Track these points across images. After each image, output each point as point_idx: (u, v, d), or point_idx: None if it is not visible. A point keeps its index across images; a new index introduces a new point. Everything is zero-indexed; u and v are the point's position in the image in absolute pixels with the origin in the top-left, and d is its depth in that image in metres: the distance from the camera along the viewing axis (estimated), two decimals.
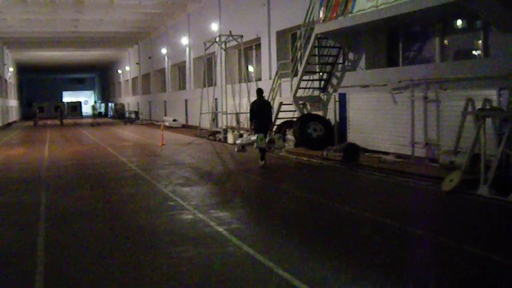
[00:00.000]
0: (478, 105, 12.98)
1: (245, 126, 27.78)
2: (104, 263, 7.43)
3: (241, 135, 22.69)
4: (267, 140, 17.13)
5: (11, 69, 66.05)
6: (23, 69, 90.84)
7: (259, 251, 7.60)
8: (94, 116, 57.83)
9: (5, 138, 35.79)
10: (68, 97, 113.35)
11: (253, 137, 17.09)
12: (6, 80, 58.10)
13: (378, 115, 18.43)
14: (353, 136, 19.61)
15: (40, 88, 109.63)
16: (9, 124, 57.06)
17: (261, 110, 17.29)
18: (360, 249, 7.86)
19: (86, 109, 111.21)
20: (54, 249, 8.18)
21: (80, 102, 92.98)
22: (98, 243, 8.50)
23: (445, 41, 17.44)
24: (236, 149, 19.38)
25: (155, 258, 7.55)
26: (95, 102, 63.16)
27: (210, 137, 29.13)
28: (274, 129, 22.17)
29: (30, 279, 6.81)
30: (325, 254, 7.59)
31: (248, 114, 18.40)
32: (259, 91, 17.75)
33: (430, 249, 8.03)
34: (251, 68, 31.73)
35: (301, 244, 8.12)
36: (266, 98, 19.45)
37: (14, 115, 66.48)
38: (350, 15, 17.98)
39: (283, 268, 6.83)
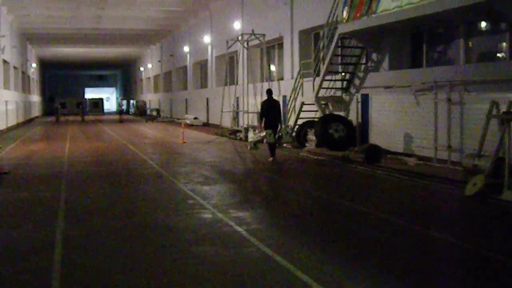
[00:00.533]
0: (503, 108, 12.76)
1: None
2: (122, 261, 7.39)
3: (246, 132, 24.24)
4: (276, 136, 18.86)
5: (34, 65, 66.55)
6: (45, 65, 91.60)
7: (279, 252, 7.50)
8: (120, 112, 57.56)
9: (27, 133, 36.03)
10: (90, 93, 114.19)
11: (263, 133, 18.79)
12: (29, 76, 58.52)
13: (401, 117, 18.24)
14: (375, 137, 19.45)
15: (62, 84, 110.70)
16: (31, 120, 57.47)
17: (270, 108, 18.63)
18: (380, 253, 7.74)
19: (108, 106, 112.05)
20: (72, 246, 8.14)
21: (102, 99, 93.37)
22: (116, 240, 8.46)
23: (470, 43, 17.20)
24: (248, 147, 20.76)
25: (174, 257, 7.48)
26: (122, 98, 62.94)
27: (231, 135, 29.08)
28: (289, 127, 22.37)
29: (46, 275, 6.76)
30: (345, 256, 7.49)
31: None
32: (269, 91, 19.27)
33: (451, 254, 7.88)
34: (272, 67, 31.62)
35: (321, 246, 8.01)
36: (277, 98, 19.73)
37: (36, 111, 66.94)
38: (374, 15, 17.80)
39: (303, 270, 6.72)
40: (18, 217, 10.30)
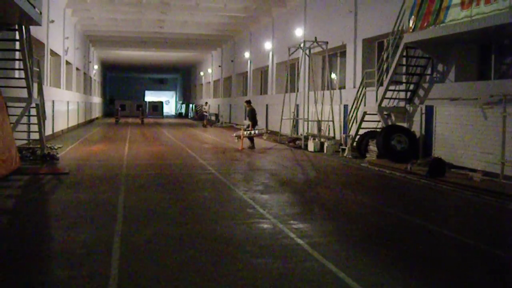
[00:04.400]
0: None
1: (326, 134, 27.47)
2: (180, 270, 7.29)
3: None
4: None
5: (95, 66, 67.72)
6: (107, 67, 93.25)
7: (342, 269, 7.27)
8: (203, 117, 55.73)
9: (87, 134, 36.58)
10: (150, 96, 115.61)
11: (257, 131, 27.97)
12: (90, 77, 59.55)
13: (466, 130, 17.75)
14: (438, 150, 18.99)
15: (122, 86, 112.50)
16: (92, 121, 58.43)
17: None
18: (447, 274, 7.43)
19: (167, 109, 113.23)
20: (130, 251, 8.07)
21: (161, 102, 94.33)
22: (175, 248, 8.36)
23: None
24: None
25: (233, 269, 7.34)
26: (206, 103, 62.97)
27: (290, 143, 28.89)
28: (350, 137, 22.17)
29: (103, 281, 6.71)
30: (411, 275, 7.22)
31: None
32: (249, 101, 29.72)
33: None
34: (333, 76, 31.31)
35: (386, 264, 7.74)
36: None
37: (96, 112, 68.04)
38: (442, 24, 17.38)
39: None
40: (76, 219, 10.32)
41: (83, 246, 8.35)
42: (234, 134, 29.04)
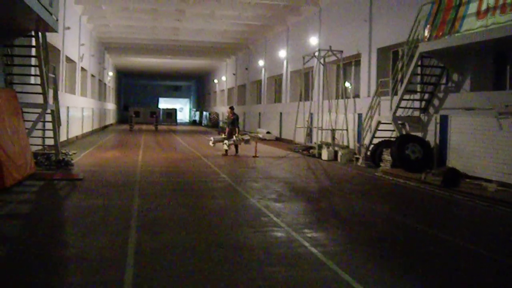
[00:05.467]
0: None
1: (340, 143, 27.43)
2: (194, 277, 7.29)
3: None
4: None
5: (110, 73, 68.04)
6: (121, 74, 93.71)
7: (357, 279, 7.25)
8: (221, 127, 54.89)
9: (102, 140, 36.71)
10: (164, 103, 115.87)
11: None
12: (105, 84, 59.83)
13: (481, 140, 17.67)
14: (453, 160, 18.91)
15: (136, 93, 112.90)
16: (106, 127, 58.66)
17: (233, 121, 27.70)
18: (463, 285, 7.39)
19: (181, 116, 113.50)
20: (144, 259, 8.07)
21: (175, 109, 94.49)
22: (189, 255, 8.36)
23: None
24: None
25: (247, 277, 7.33)
26: (220, 112, 61.91)
27: (304, 152, 28.85)
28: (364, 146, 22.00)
29: None
30: (427, 287, 7.17)
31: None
32: (232, 107, 28.60)
33: None
34: (347, 84, 31.27)
35: (399, 273, 7.71)
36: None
37: (111, 118, 68.31)
38: (457, 34, 17.34)
39: None
40: (90, 226, 10.37)
41: (98, 252, 8.38)
42: (212, 139, 28.81)
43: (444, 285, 7.34)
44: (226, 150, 26.76)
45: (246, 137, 27.69)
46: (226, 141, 27.08)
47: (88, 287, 6.85)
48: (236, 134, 27.28)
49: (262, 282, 7.16)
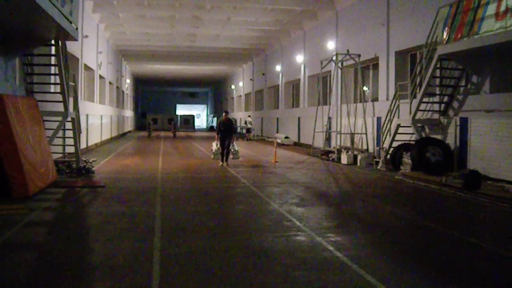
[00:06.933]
0: None
1: (359, 146, 27.39)
2: (219, 282, 7.32)
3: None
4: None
5: (128, 80, 68.43)
6: (139, 81, 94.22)
7: (382, 281, 7.26)
8: (247, 131, 53.48)
9: (121, 147, 36.88)
10: (181, 110, 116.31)
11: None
12: (123, 91, 60.16)
13: (502, 142, 17.60)
14: (474, 162, 18.83)
15: (154, 100, 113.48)
16: (124, 134, 58.94)
17: (225, 126, 24.07)
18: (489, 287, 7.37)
19: (198, 123, 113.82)
20: (169, 264, 8.12)
21: (193, 116, 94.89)
22: (214, 260, 8.40)
23: None
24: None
25: (272, 282, 7.35)
26: (249, 116, 61.86)
27: (323, 156, 28.83)
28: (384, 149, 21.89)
29: None
30: None
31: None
32: (226, 112, 25.01)
33: None
34: (366, 88, 31.22)
35: (423, 275, 7.69)
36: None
37: (129, 126, 68.63)
38: (476, 36, 17.27)
39: None
40: (114, 232, 10.46)
41: (124, 258, 8.44)
42: (213, 149, 25.09)
43: (469, 287, 7.32)
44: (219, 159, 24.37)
45: (236, 147, 25.18)
46: (215, 146, 24.83)
47: None
48: (232, 141, 24.36)
49: (287, 285, 7.18)
